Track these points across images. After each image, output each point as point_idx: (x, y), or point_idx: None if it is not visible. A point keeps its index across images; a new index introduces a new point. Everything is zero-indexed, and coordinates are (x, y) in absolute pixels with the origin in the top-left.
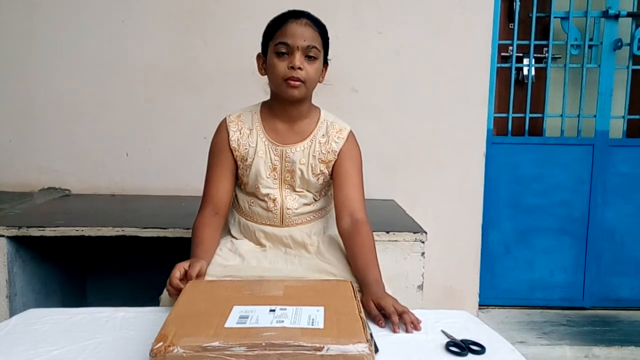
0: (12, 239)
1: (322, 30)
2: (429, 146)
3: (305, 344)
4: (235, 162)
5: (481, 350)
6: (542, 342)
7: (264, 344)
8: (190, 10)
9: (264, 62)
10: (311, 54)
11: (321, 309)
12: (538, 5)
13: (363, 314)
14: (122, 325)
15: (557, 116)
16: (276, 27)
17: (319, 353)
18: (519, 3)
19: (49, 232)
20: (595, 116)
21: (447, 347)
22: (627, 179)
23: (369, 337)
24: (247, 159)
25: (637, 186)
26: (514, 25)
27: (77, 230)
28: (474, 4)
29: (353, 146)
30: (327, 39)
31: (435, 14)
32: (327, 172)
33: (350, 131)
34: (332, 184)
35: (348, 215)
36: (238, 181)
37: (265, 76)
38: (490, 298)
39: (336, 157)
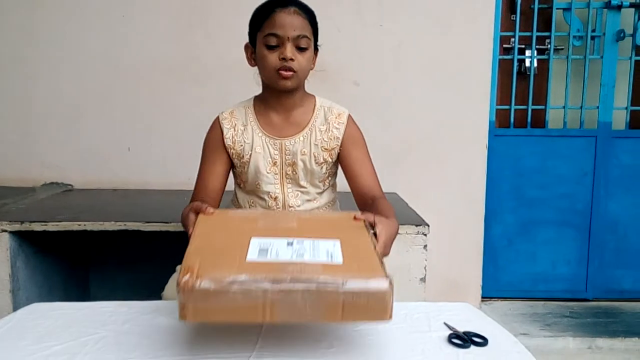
0: (15, 234)
1: (311, 17)
2: (431, 138)
3: (328, 280)
4: (231, 160)
5: (484, 342)
6: (545, 333)
7: (289, 279)
8: (191, 5)
9: (252, 52)
10: (302, 45)
11: (337, 242)
12: None
13: (378, 249)
14: (125, 320)
15: (560, 108)
16: (264, 17)
17: (341, 289)
18: None
19: (51, 226)
20: (597, 107)
21: (450, 339)
22: (630, 171)
23: (388, 273)
24: (243, 156)
25: (639, 178)
26: (515, 17)
27: (79, 225)
28: None
29: (355, 130)
30: (316, 25)
31: (436, 6)
32: (330, 160)
33: (349, 115)
34: (344, 173)
35: (370, 200)
36: (237, 180)
37: (255, 67)
38: (493, 290)
39: (339, 143)
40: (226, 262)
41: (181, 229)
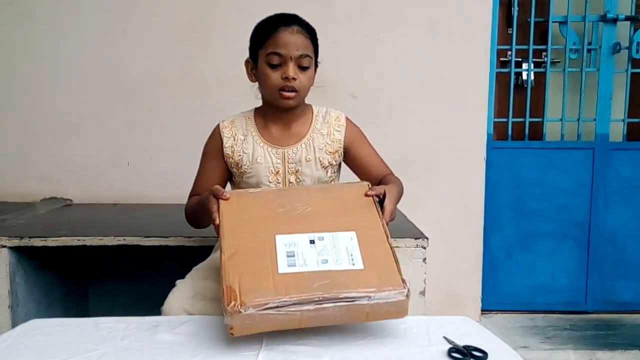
0: (15, 249)
1: (312, 36)
2: (429, 152)
3: (355, 297)
4: (228, 169)
5: (483, 356)
6: (545, 346)
7: (320, 298)
8: (190, 20)
9: (253, 67)
10: (304, 64)
11: (353, 235)
12: (536, 10)
13: (390, 240)
14: (124, 335)
15: (557, 120)
16: (266, 35)
17: (367, 303)
18: (517, 8)
19: (51, 242)
20: (595, 120)
21: (450, 353)
22: (628, 183)
23: (403, 278)
24: (241, 166)
25: (637, 189)
26: (512, 30)
27: (79, 240)
28: (472, 10)
29: (355, 129)
30: (317, 42)
31: (433, 20)
32: (334, 162)
33: (346, 116)
34: (355, 169)
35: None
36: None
37: (256, 82)
38: (492, 303)
39: (342, 145)
40: (262, 278)
41: (180, 243)
